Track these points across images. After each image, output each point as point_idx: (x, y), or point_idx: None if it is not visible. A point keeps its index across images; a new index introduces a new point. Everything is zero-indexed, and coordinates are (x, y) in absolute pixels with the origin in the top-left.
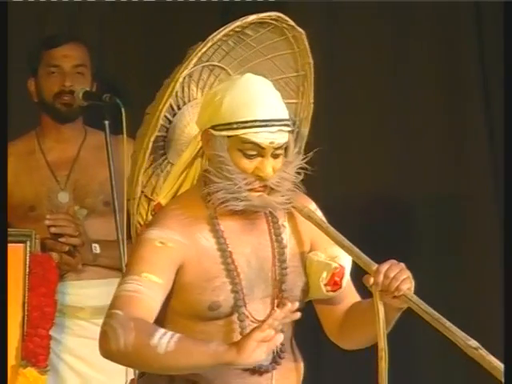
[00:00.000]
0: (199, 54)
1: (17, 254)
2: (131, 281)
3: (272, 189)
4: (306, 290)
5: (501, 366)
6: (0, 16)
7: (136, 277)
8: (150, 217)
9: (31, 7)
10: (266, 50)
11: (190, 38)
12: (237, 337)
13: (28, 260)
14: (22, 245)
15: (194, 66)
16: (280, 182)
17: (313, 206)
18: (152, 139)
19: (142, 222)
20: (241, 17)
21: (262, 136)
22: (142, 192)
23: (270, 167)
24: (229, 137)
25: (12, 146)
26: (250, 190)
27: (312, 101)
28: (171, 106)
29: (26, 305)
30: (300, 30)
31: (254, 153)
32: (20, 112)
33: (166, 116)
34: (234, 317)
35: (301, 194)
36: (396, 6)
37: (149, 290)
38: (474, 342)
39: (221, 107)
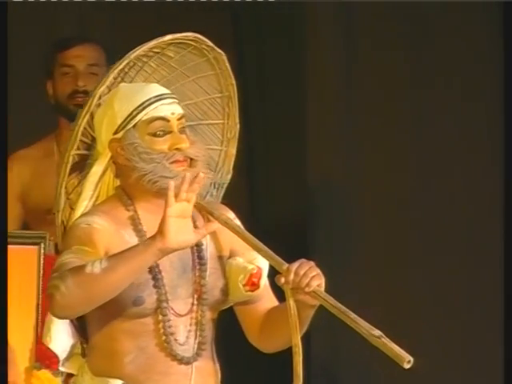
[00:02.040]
0: (116, 71)
1: (31, 255)
2: (64, 254)
3: (192, 160)
4: (225, 290)
5: (403, 352)
6: (0, 16)
7: (67, 251)
8: None
9: (44, 8)
10: (189, 71)
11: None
12: (161, 336)
13: (42, 262)
14: (36, 247)
15: (113, 83)
16: (198, 151)
17: (231, 215)
18: (72, 153)
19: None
20: (253, 18)
21: (161, 109)
22: (72, 209)
23: (182, 138)
24: (134, 126)
25: (31, 149)
26: (173, 163)
27: (237, 121)
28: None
29: (39, 307)
30: (219, 51)
31: (162, 129)
32: (40, 115)
33: (88, 132)
34: (158, 316)
35: (219, 204)
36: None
37: (82, 255)
38: (377, 332)
39: (114, 112)
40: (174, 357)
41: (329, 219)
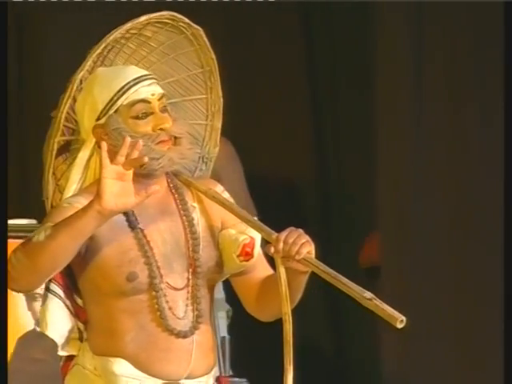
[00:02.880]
0: (95, 55)
1: None
2: (35, 231)
3: (176, 138)
4: (219, 262)
5: (395, 312)
6: (0, 16)
7: (39, 228)
8: None
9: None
10: (168, 49)
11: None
12: (156, 312)
13: None
14: None
15: (93, 67)
16: (181, 128)
17: (219, 188)
18: (57, 140)
19: None
20: (325, 19)
21: (141, 91)
22: (57, 185)
23: (165, 118)
24: (116, 111)
25: None
26: (158, 143)
27: (221, 94)
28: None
29: None
30: (197, 27)
31: (144, 111)
32: None
33: (72, 117)
34: (151, 292)
35: (208, 179)
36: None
37: None
38: (368, 294)
39: (94, 98)
40: (171, 331)
41: (398, 221)
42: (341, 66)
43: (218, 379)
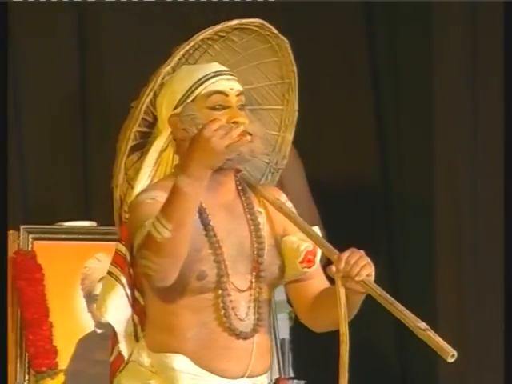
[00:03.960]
0: (182, 52)
1: None
2: (141, 231)
3: (251, 136)
4: (282, 268)
5: (448, 346)
6: (0, 16)
7: (142, 228)
8: (123, 215)
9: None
10: (252, 56)
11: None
12: (219, 311)
13: None
14: None
15: (177, 63)
16: (257, 128)
17: (283, 198)
18: (134, 130)
19: (123, 214)
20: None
21: (220, 84)
22: (130, 184)
23: (240, 113)
24: (193, 100)
25: None
26: None
27: (296, 108)
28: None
29: None
30: (283, 38)
31: (221, 103)
32: None
33: (151, 111)
34: (218, 291)
35: (273, 187)
36: None
37: None
38: (423, 324)
39: (174, 89)
40: (233, 331)
41: (455, 215)
42: (403, 69)
43: (277, 380)
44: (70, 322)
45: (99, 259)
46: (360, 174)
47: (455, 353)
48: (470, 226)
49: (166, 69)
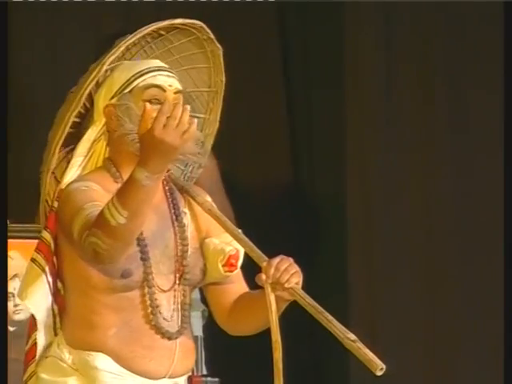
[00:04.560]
0: (127, 43)
1: None
2: (82, 212)
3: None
4: (204, 270)
5: (376, 359)
6: (0, 16)
7: (83, 209)
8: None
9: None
10: (184, 60)
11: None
12: (146, 309)
13: None
14: None
15: (121, 54)
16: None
17: (208, 198)
18: (74, 114)
19: (49, 202)
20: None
21: (160, 79)
22: (53, 173)
23: None
24: (130, 91)
25: None
26: None
27: (218, 118)
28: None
29: None
30: (218, 45)
31: (157, 98)
32: None
33: (84, 103)
34: (144, 289)
35: (196, 187)
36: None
37: (98, 209)
38: (352, 335)
39: (113, 80)
40: (159, 330)
41: (367, 220)
42: (314, 66)
43: (190, 378)
44: None
45: (11, 257)
46: (272, 174)
47: (384, 366)
48: (381, 224)
49: (111, 58)
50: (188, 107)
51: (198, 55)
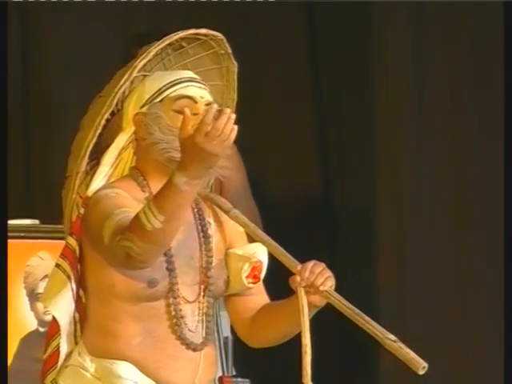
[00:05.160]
0: (156, 49)
1: None
2: (112, 218)
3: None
4: (227, 282)
5: (418, 358)
6: (0, 16)
7: (113, 215)
8: (77, 208)
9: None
10: (198, 75)
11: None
12: (171, 319)
13: None
14: None
15: (152, 59)
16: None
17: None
18: (105, 117)
19: (69, 213)
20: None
21: (191, 90)
22: (77, 193)
23: None
24: (161, 101)
25: None
26: None
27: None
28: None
29: None
30: (234, 62)
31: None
32: None
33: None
34: (169, 299)
35: (221, 198)
36: None
37: (129, 215)
38: (392, 336)
39: (144, 88)
40: (183, 341)
41: (397, 213)
42: (342, 67)
43: (220, 379)
44: (12, 321)
45: (42, 257)
46: (300, 180)
47: (426, 364)
48: (411, 227)
49: (142, 62)
50: (233, 116)
51: (214, 71)
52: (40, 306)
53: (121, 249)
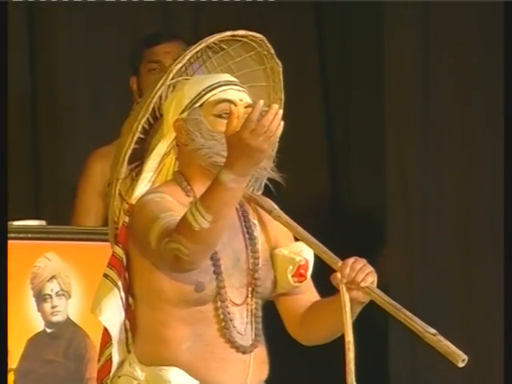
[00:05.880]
0: (192, 52)
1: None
2: (158, 222)
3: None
4: (274, 282)
5: (458, 351)
6: (0, 16)
7: (159, 219)
8: (122, 217)
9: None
10: (244, 77)
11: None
12: (220, 323)
13: None
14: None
15: (184, 69)
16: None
17: (276, 207)
18: (142, 122)
19: (115, 219)
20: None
21: (230, 93)
22: (119, 193)
23: None
24: (200, 106)
25: (113, 146)
26: None
27: (278, 138)
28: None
29: None
30: (278, 61)
31: (227, 112)
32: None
33: (148, 119)
34: (217, 303)
35: (264, 197)
36: None
37: (175, 219)
38: (432, 329)
39: (183, 93)
40: (233, 344)
41: (405, 213)
42: (350, 66)
43: None
44: (20, 321)
45: (49, 258)
46: (308, 180)
47: (466, 357)
48: (421, 235)
49: (177, 66)
50: (280, 112)
51: (258, 72)
52: (47, 306)
53: (168, 251)
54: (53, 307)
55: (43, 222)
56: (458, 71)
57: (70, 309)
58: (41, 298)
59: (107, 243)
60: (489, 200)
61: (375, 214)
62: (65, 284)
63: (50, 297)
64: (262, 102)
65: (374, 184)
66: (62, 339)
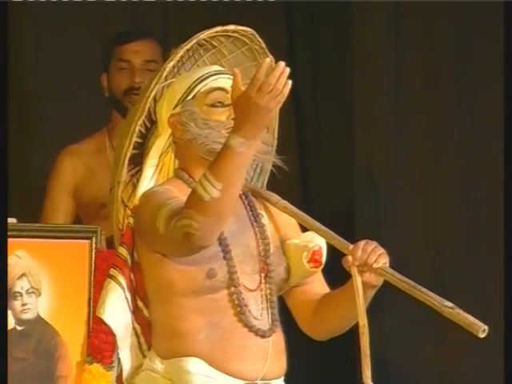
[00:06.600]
0: (184, 50)
1: (83, 250)
2: (165, 207)
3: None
4: (288, 269)
5: (477, 321)
6: (0, 16)
7: (165, 204)
8: (126, 221)
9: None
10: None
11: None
12: (235, 308)
13: (93, 256)
14: (87, 241)
15: (180, 61)
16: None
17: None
18: (139, 123)
19: (120, 227)
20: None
21: (221, 81)
22: (122, 199)
23: None
24: (193, 98)
25: (84, 143)
26: (229, 130)
27: (276, 136)
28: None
29: (91, 301)
30: (270, 56)
31: (221, 100)
32: (94, 109)
33: (144, 122)
34: (230, 289)
35: (268, 191)
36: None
37: (180, 202)
38: (449, 303)
39: (174, 90)
40: (251, 328)
41: (374, 206)
42: (322, 67)
43: None
44: None
45: (19, 256)
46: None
47: (486, 327)
48: (390, 232)
49: (170, 64)
50: (287, 70)
51: (251, 69)
52: (17, 304)
53: (179, 230)
54: (23, 305)
55: (14, 220)
56: (427, 70)
57: (40, 306)
58: (11, 295)
59: (77, 241)
60: (460, 192)
61: (344, 209)
62: (35, 282)
63: (20, 294)
64: (268, 59)
65: (343, 186)
66: (32, 337)
